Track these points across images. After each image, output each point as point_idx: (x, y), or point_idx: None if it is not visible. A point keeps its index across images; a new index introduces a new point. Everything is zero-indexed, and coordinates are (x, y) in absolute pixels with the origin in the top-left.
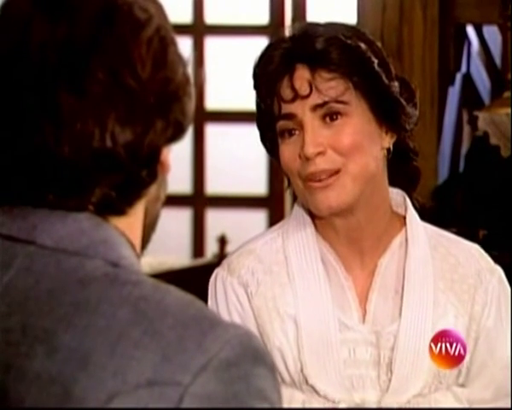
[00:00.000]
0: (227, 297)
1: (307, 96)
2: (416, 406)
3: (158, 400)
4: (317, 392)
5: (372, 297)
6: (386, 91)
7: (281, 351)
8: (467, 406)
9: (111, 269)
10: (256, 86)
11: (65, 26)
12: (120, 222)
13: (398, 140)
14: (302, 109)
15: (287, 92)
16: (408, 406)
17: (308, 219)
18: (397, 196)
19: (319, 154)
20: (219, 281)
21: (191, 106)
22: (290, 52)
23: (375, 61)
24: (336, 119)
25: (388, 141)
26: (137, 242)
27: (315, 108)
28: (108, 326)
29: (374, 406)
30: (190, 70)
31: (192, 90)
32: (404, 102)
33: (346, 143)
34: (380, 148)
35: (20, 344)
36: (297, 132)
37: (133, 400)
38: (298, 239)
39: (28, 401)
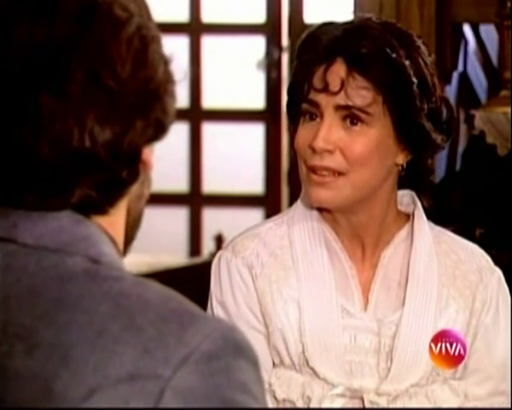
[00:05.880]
0: (231, 278)
1: (335, 94)
2: (413, 396)
3: (138, 394)
4: (316, 374)
5: (374, 288)
6: (414, 115)
7: (282, 333)
8: (463, 398)
9: (92, 265)
10: (297, 56)
11: (44, 25)
12: (103, 220)
13: (415, 158)
14: (327, 103)
15: (318, 81)
16: (406, 395)
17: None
18: (404, 197)
19: (327, 151)
20: (223, 262)
21: (173, 104)
22: (336, 43)
23: (415, 81)
24: (356, 124)
25: (403, 158)
26: (120, 239)
27: (338, 107)
28: (89, 322)
29: (371, 393)
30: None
31: (174, 88)
32: (430, 129)
33: (357, 152)
34: (392, 163)
35: (1, 343)
36: (317, 120)
37: (114, 394)
38: (303, 225)
39: (9, 399)
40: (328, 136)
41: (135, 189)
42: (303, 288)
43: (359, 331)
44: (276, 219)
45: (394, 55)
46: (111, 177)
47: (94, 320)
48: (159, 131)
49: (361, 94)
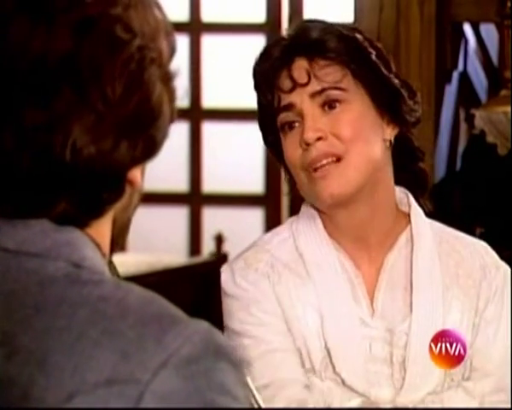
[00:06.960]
0: (251, 289)
1: (306, 84)
2: (430, 404)
3: (117, 398)
4: (342, 381)
5: (378, 295)
6: (385, 81)
7: (304, 338)
8: (477, 399)
9: (73, 270)
10: (256, 84)
11: (42, 37)
12: (87, 228)
13: (402, 136)
14: (301, 98)
15: (286, 83)
16: (422, 404)
17: (317, 216)
18: (400, 193)
19: (320, 139)
20: (238, 274)
21: (167, 123)
22: (288, 47)
23: (373, 52)
24: (335, 107)
25: (389, 133)
26: (105, 243)
27: (313, 95)
28: (68, 327)
29: (388, 404)
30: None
31: (172, 106)
32: (404, 93)
33: (347, 131)
34: (381, 139)
35: None
36: (297, 124)
37: (93, 399)
38: (309, 237)
39: None
40: (315, 125)
41: (121, 203)
42: (321, 296)
43: (374, 341)
44: (281, 232)
45: (345, 32)
46: (91, 196)
47: (72, 325)
48: (148, 152)
49: (328, 72)
